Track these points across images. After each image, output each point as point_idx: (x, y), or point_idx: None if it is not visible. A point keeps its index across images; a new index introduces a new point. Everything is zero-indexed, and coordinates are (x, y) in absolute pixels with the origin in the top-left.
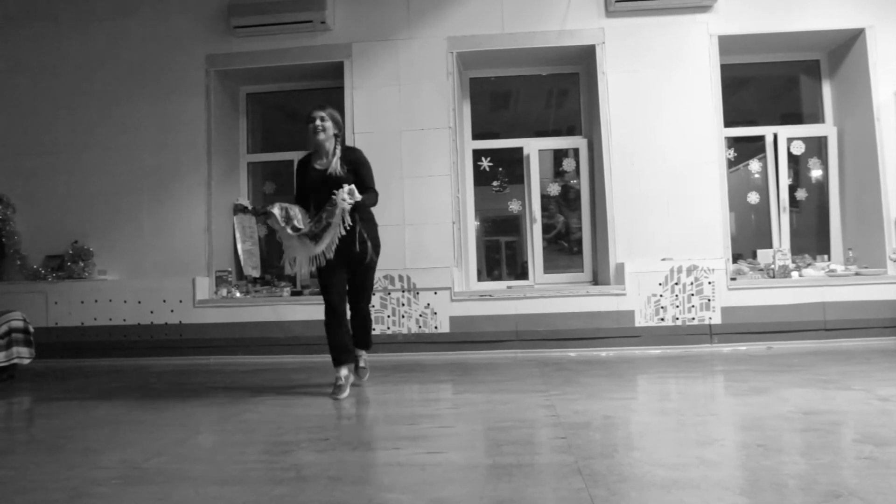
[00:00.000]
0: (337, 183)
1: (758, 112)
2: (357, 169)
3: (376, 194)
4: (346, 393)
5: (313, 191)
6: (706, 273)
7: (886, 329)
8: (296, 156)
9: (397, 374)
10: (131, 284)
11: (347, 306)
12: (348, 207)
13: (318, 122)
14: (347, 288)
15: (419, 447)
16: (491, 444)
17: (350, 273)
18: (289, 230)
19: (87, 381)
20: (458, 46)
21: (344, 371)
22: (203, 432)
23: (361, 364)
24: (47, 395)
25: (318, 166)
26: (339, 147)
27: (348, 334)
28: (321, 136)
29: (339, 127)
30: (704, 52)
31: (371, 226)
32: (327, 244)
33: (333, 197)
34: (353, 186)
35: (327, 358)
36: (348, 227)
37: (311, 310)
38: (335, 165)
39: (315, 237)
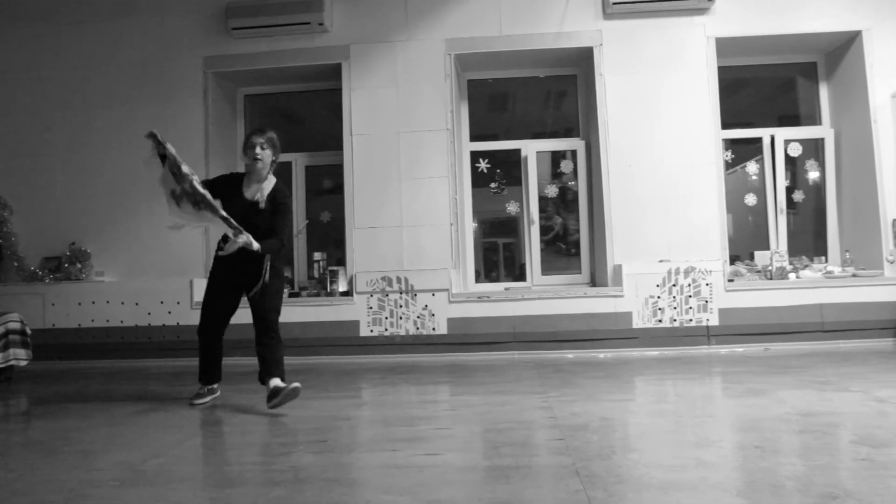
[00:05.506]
0: (256, 213)
1: (755, 114)
2: (276, 210)
3: (280, 244)
4: (201, 401)
5: (230, 211)
6: (703, 275)
7: (883, 330)
8: (293, 157)
9: (395, 375)
10: (129, 286)
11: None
12: (238, 245)
13: (258, 150)
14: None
15: (417, 449)
16: (489, 445)
17: (250, 300)
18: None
19: (85, 383)
20: (456, 48)
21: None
22: (201, 434)
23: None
24: (44, 397)
25: (246, 195)
26: (270, 177)
27: (213, 357)
28: (259, 164)
29: (277, 154)
30: (702, 54)
31: (278, 263)
32: (189, 214)
33: (233, 236)
34: (249, 239)
35: (324, 359)
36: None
37: (309, 311)
38: (261, 197)
39: (196, 202)
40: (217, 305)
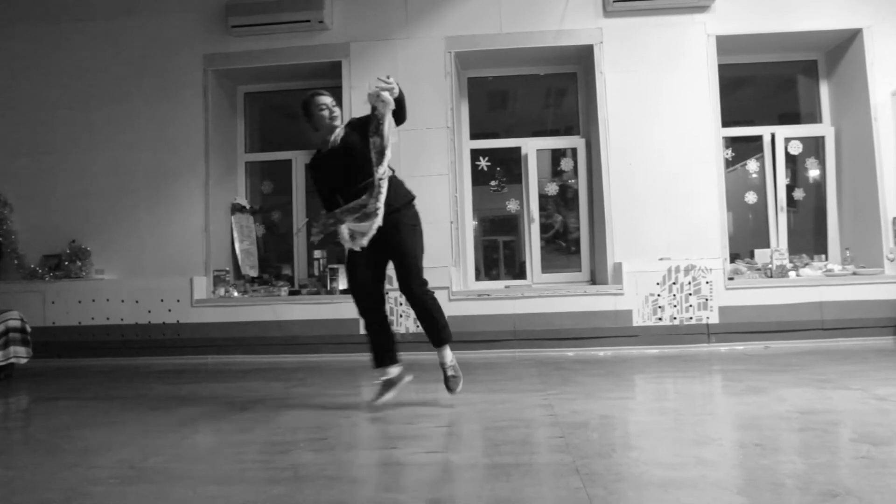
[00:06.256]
0: (345, 151)
1: (755, 112)
2: (367, 120)
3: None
4: (385, 397)
5: (336, 171)
6: (704, 273)
7: (883, 328)
8: (294, 155)
9: None
10: (129, 284)
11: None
12: (389, 101)
13: (335, 110)
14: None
15: (417, 447)
16: (489, 443)
17: (384, 256)
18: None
19: (85, 381)
20: (456, 46)
21: (386, 373)
22: (201, 432)
23: (449, 372)
24: (44, 395)
25: (330, 146)
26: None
27: (384, 335)
28: (337, 122)
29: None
30: (702, 52)
31: (407, 216)
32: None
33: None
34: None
35: (325, 357)
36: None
37: (309, 309)
38: (340, 133)
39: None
40: (358, 274)
